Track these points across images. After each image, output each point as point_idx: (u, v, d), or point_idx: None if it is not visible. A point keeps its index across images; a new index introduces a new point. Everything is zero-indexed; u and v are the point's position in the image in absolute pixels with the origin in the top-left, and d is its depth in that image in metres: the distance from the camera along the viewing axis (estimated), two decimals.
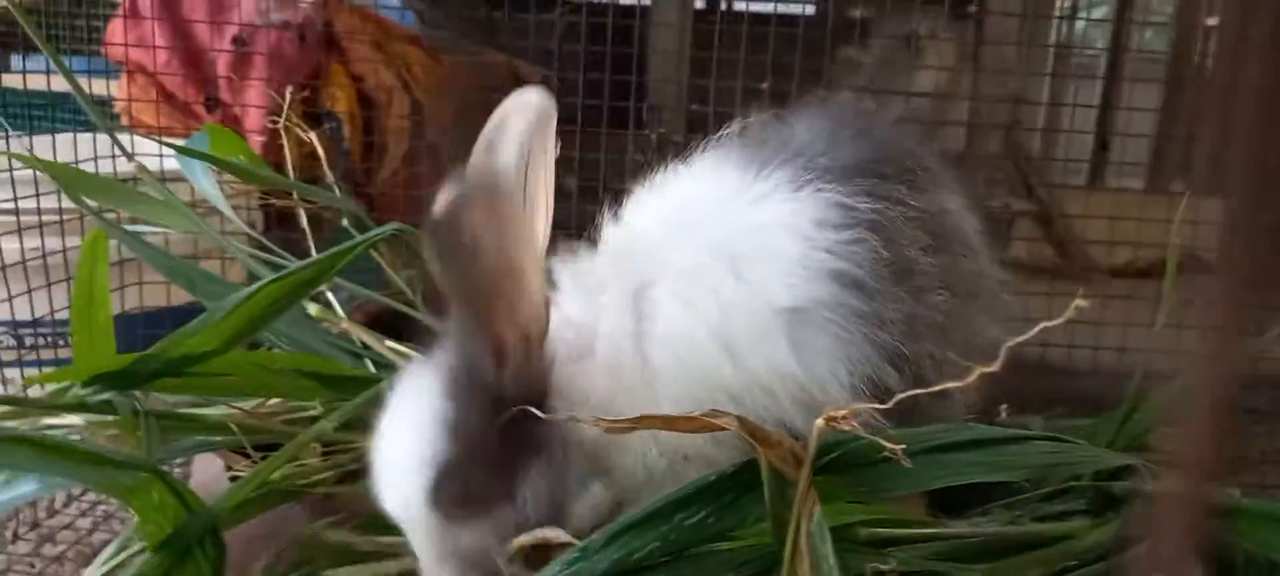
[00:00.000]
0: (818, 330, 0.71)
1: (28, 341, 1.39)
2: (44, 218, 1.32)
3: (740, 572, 0.62)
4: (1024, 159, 2.01)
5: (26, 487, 0.81)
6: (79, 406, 0.84)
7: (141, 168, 1.07)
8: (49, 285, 1.35)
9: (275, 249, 1.12)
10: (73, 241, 1.35)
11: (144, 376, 0.85)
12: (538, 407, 0.67)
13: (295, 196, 1.15)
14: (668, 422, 0.62)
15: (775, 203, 0.74)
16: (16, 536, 1.40)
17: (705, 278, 0.73)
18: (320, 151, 1.24)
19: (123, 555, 0.83)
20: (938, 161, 0.86)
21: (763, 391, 0.70)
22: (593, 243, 0.81)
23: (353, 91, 1.80)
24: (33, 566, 1.37)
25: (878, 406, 0.58)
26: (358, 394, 0.94)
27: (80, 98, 1.05)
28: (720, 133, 0.85)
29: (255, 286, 0.87)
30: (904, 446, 0.56)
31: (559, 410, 0.68)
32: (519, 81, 2.28)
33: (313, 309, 1.02)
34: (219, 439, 0.91)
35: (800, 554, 0.60)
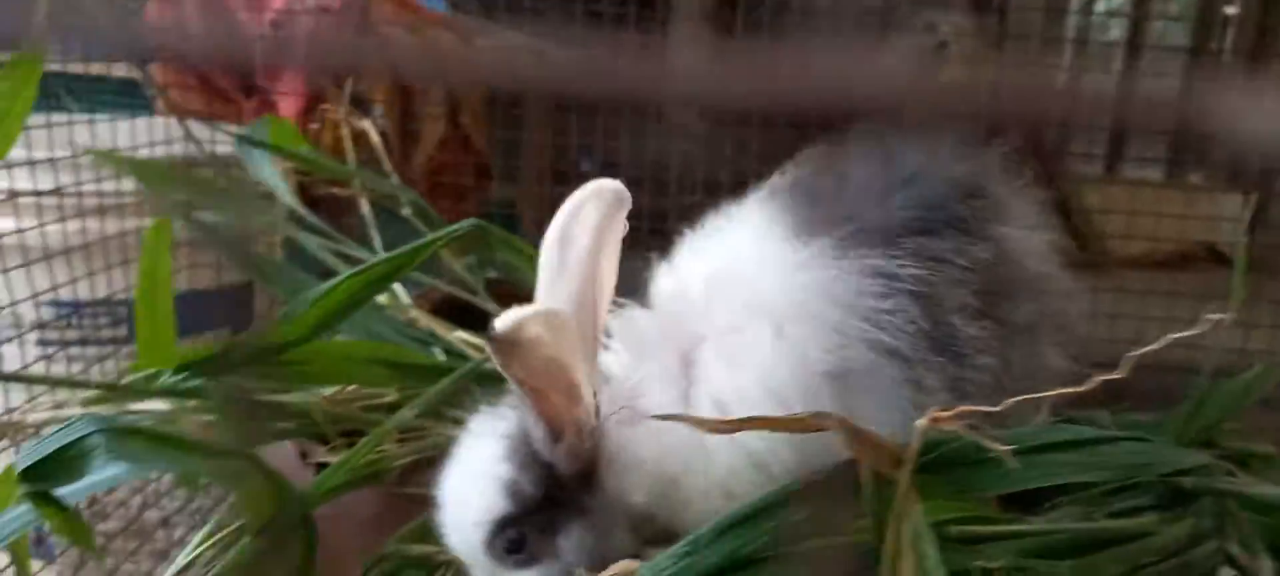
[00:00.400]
0: (860, 394, 0.73)
1: (75, 323, 1.41)
2: (88, 201, 1.33)
3: (841, 570, 0.64)
4: (1044, 149, 2.03)
5: (113, 471, 0.83)
6: (170, 393, 0.86)
7: (211, 155, 1.08)
8: (95, 272, 1.36)
9: (335, 234, 1.13)
10: (119, 224, 1.36)
11: (232, 363, 0.86)
12: (585, 478, 0.75)
13: (357, 184, 1.16)
14: (771, 423, 0.64)
15: (816, 270, 0.75)
16: None
17: (747, 335, 0.75)
18: (375, 138, 1.26)
19: (213, 539, 0.85)
20: (1001, 183, 0.84)
21: (819, 441, 0.70)
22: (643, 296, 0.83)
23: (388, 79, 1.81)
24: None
25: (979, 409, 0.60)
26: (428, 381, 0.96)
27: (150, 87, 1.06)
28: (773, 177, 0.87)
29: (336, 279, 0.89)
30: (1011, 447, 0.57)
31: (611, 477, 0.75)
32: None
33: (381, 298, 1.04)
34: (297, 426, 0.93)
35: (901, 551, 0.62)
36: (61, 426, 0.72)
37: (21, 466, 0.71)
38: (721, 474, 0.74)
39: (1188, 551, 0.73)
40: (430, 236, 0.91)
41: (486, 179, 2.06)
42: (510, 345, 0.66)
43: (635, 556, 0.73)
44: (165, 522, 1.40)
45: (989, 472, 0.65)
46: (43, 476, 0.71)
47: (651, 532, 0.78)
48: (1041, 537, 0.69)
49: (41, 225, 1.26)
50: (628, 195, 0.78)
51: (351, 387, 0.97)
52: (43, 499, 0.71)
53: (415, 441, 0.96)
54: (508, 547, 0.75)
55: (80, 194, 1.27)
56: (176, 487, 1.45)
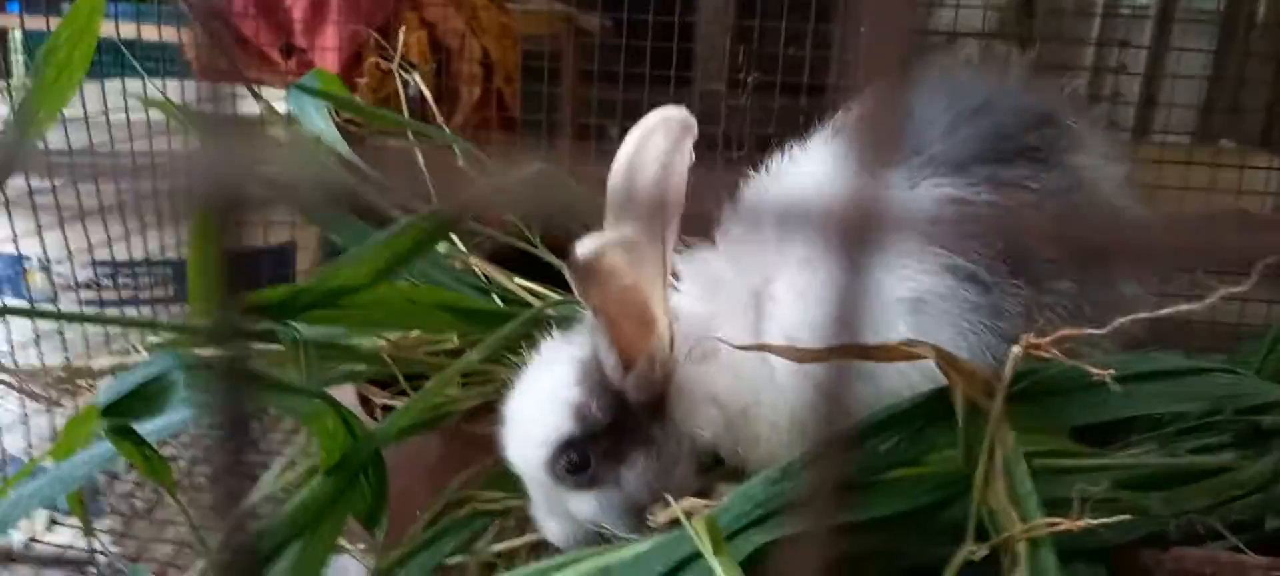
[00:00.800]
0: (937, 320, 0.72)
1: (124, 282, 1.41)
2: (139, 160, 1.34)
3: (931, 496, 0.64)
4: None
5: (179, 416, 0.83)
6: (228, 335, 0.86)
7: (270, 109, 1.08)
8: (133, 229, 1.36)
9: (389, 184, 1.13)
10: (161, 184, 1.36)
11: (300, 306, 0.86)
12: (655, 410, 0.75)
13: (410, 136, 1.16)
14: (861, 352, 0.63)
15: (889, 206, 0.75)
16: (117, 476, 1.43)
17: (820, 268, 0.74)
18: (425, 91, 1.25)
19: (284, 478, 0.86)
20: (1071, 115, 0.83)
21: (897, 372, 0.70)
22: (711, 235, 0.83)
23: (425, 38, 1.80)
24: (135, 501, 1.40)
25: (1073, 332, 0.60)
26: (490, 327, 0.96)
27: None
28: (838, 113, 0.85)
29: (404, 222, 0.88)
30: (1112, 371, 0.57)
31: (681, 411, 0.75)
32: (577, 31, 2.28)
33: (440, 246, 1.04)
34: (365, 369, 0.93)
35: (992, 478, 0.62)
36: (143, 363, 0.72)
37: (103, 402, 0.71)
38: (794, 408, 0.74)
39: (1271, 487, 0.72)
40: (500, 176, 0.90)
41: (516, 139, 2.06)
42: (590, 271, 0.66)
43: (700, 492, 0.73)
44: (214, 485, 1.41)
45: (1080, 401, 0.65)
46: (124, 412, 0.71)
47: (718, 470, 0.78)
48: (1127, 470, 0.69)
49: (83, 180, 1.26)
50: (694, 123, 0.76)
51: (414, 334, 0.97)
52: (123, 435, 0.72)
53: (478, 386, 0.96)
54: (570, 467, 0.76)
55: (121, 154, 1.27)
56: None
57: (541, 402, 0.78)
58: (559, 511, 0.79)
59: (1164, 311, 0.63)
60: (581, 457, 0.76)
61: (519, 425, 0.79)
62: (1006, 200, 0.74)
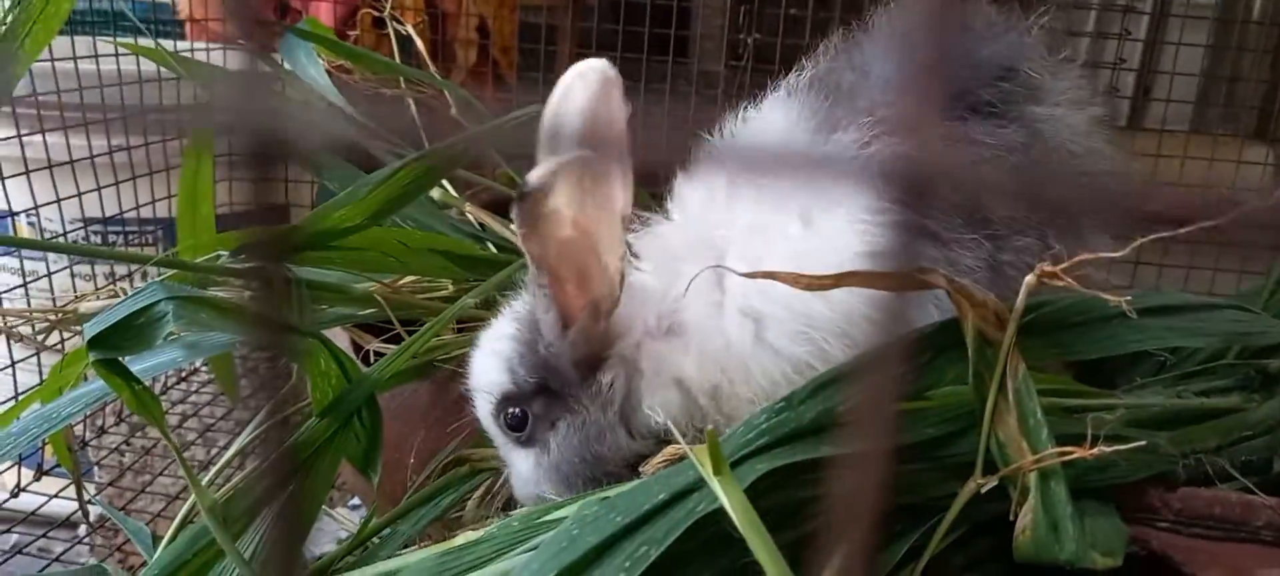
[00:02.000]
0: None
1: (113, 240, 1.39)
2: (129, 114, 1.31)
3: (937, 429, 0.62)
4: None
5: (170, 355, 0.81)
6: (231, 271, 0.84)
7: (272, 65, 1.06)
8: (117, 181, 1.34)
9: (382, 131, 1.11)
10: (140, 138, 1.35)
11: (292, 247, 0.85)
12: (593, 369, 0.74)
13: (403, 84, 1.14)
14: (870, 279, 0.62)
15: (842, 161, 0.72)
16: (104, 429, 1.41)
17: (771, 233, 0.73)
18: (419, 44, 1.23)
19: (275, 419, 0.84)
20: (1034, 62, 0.81)
21: (866, 320, 0.70)
22: (665, 205, 0.81)
23: (422, 2, 1.78)
24: (123, 456, 1.38)
25: (1089, 257, 0.58)
26: (484, 272, 0.95)
27: None
28: (790, 73, 0.83)
29: (398, 163, 0.87)
30: (1128, 298, 0.56)
31: (650, 388, 0.74)
32: (575, 6, 2.26)
33: (434, 192, 1.03)
34: (354, 312, 0.92)
35: (1002, 410, 0.61)
36: (131, 294, 0.71)
37: (90, 334, 0.69)
38: (764, 385, 0.72)
39: (1279, 428, 0.71)
40: (493, 121, 0.88)
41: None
42: (536, 211, 0.65)
43: (637, 464, 0.72)
44: (204, 434, 1.40)
45: (1090, 335, 0.63)
46: (112, 345, 0.70)
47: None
48: (1135, 410, 0.68)
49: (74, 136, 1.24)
50: (615, 73, 0.73)
51: (408, 279, 0.95)
52: (112, 369, 0.70)
53: (472, 333, 0.94)
54: (510, 422, 0.78)
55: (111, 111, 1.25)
56: (214, 405, 1.45)
57: (484, 352, 0.79)
58: (512, 467, 0.81)
59: (1120, 255, 0.61)
60: (522, 414, 0.77)
61: (473, 377, 0.81)
62: (961, 158, 0.72)
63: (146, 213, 1.37)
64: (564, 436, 0.75)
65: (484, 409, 0.79)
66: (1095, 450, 0.55)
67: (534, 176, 0.64)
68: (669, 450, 0.68)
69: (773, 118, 0.80)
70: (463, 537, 0.69)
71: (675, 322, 0.74)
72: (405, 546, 0.79)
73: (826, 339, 0.71)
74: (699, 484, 0.57)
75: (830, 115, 0.76)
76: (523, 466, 0.79)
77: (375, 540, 0.81)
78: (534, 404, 0.77)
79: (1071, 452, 0.56)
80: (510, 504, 0.83)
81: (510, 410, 0.77)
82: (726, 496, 0.54)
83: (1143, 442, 0.59)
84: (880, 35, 0.83)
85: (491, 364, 0.78)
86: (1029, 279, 0.59)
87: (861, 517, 0.30)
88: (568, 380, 0.75)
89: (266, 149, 0.29)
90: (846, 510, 0.30)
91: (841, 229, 0.71)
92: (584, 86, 0.73)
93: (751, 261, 0.72)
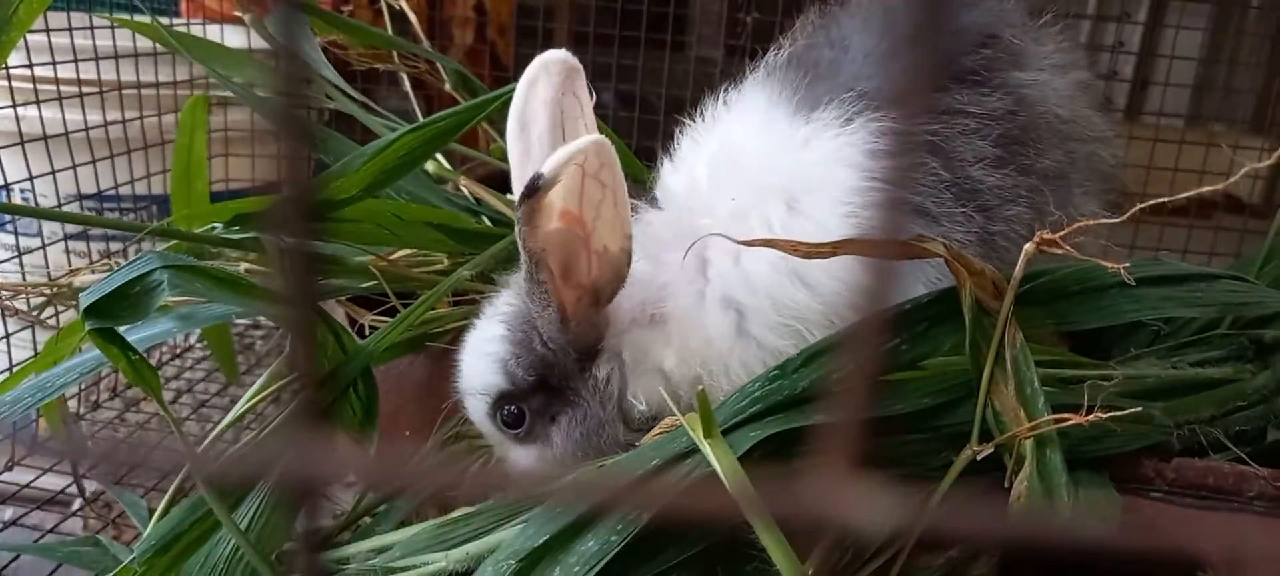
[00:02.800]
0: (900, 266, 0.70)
1: (108, 212, 1.39)
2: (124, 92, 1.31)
3: (933, 399, 0.62)
4: None
5: (166, 326, 0.81)
6: (226, 242, 0.84)
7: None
8: (114, 155, 1.34)
9: (376, 107, 1.11)
10: (135, 112, 1.34)
11: (285, 217, 0.84)
12: (591, 361, 0.74)
13: (396, 58, 1.13)
14: (867, 247, 0.62)
15: (824, 141, 0.73)
16: (98, 404, 1.41)
17: (752, 220, 0.72)
18: (412, 16, 1.23)
19: (270, 390, 0.84)
20: (1015, 28, 0.80)
21: (850, 307, 0.69)
22: (650, 192, 0.81)
23: None
24: (116, 431, 1.38)
25: (1092, 221, 0.58)
26: (479, 246, 0.94)
27: None
28: (769, 54, 0.83)
29: (393, 135, 0.86)
30: (1126, 265, 0.56)
31: (621, 378, 0.74)
32: None
33: (429, 166, 1.02)
34: (350, 283, 0.91)
35: (998, 380, 0.61)
36: (126, 264, 0.70)
37: (86, 302, 0.69)
38: (743, 377, 0.72)
39: (1274, 399, 0.71)
40: (490, 94, 0.88)
41: None
42: (545, 197, 0.64)
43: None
44: (199, 410, 1.40)
45: (1087, 304, 0.63)
46: (108, 314, 0.69)
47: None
48: (1130, 380, 0.68)
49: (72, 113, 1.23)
50: (577, 63, 0.76)
51: (403, 252, 0.95)
52: (107, 337, 0.70)
53: (467, 306, 0.94)
54: (507, 420, 0.77)
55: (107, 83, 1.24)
56: (209, 382, 1.44)
57: (475, 356, 0.78)
58: (512, 465, 0.80)
59: (1118, 220, 0.61)
60: (518, 411, 0.77)
61: (464, 377, 0.79)
62: (945, 129, 0.71)
63: (141, 188, 1.37)
64: (567, 431, 0.76)
65: (478, 409, 0.79)
66: (1091, 417, 0.55)
67: (548, 167, 0.63)
68: (666, 422, 0.68)
69: (754, 98, 0.80)
70: (459, 511, 0.69)
71: (659, 313, 0.74)
72: (402, 523, 0.79)
73: (810, 330, 0.70)
74: (692, 449, 0.57)
75: (810, 92, 0.75)
76: (524, 462, 0.79)
77: (366, 520, 0.81)
78: (532, 400, 0.76)
79: (1068, 419, 0.56)
80: None
81: (507, 408, 0.77)
82: (715, 457, 0.54)
83: (1138, 410, 0.59)
84: (858, 9, 0.82)
85: (484, 366, 0.77)
86: (1028, 247, 0.59)
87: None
88: (567, 373, 0.75)
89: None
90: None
91: (826, 212, 0.71)
92: (548, 78, 0.74)
93: (732, 251, 0.72)
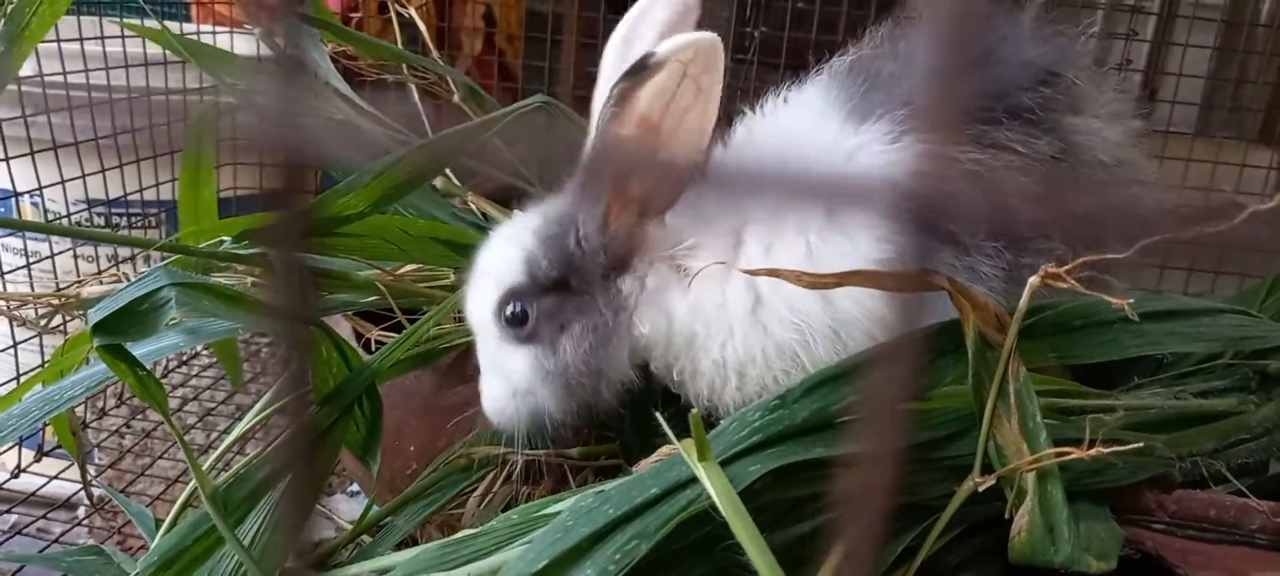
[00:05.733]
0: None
1: (116, 221, 1.39)
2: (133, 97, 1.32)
3: (935, 431, 0.63)
4: None
5: (173, 340, 0.82)
6: (234, 258, 0.84)
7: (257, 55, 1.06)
8: (127, 162, 1.34)
9: (384, 118, 1.11)
10: (145, 120, 1.34)
11: (292, 233, 0.85)
12: (615, 273, 0.74)
13: (406, 70, 1.14)
14: (874, 279, 0.62)
15: (870, 154, 0.73)
16: (105, 411, 1.42)
17: (789, 222, 0.73)
18: (422, 26, 1.23)
19: (275, 407, 0.84)
20: (1079, 68, 0.79)
21: (863, 333, 0.70)
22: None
23: None
24: (123, 439, 1.39)
25: (1095, 258, 0.58)
26: None
27: None
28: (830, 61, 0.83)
29: (401, 151, 0.87)
30: (1131, 301, 0.56)
31: (645, 304, 0.74)
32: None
33: (437, 181, 1.02)
34: (355, 299, 0.92)
35: (1001, 414, 0.61)
36: (135, 280, 0.71)
37: (94, 320, 0.69)
38: (738, 356, 0.73)
39: (1277, 431, 0.71)
40: (500, 111, 0.88)
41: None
42: (648, 77, 0.64)
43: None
44: (204, 418, 1.40)
45: (1091, 338, 0.64)
46: (116, 331, 0.70)
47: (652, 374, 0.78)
48: (1133, 412, 0.68)
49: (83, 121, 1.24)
50: (696, 1, 0.77)
51: (409, 267, 0.96)
52: (115, 354, 0.70)
53: None
54: (511, 318, 0.76)
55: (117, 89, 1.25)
56: (213, 389, 1.45)
57: (498, 249, 0.78)
58: (500, 369, 0.78)
59: (1121, 257, 0.61)
60: (523, 310, 0.75)
61: (478, 274, 0.79)
62: (991, 162, 0.71)
63: (150, 195, 1.37)
64: (577, 338, 0.75)
65: (485, 297, 0.77)
66: (1093, 451, 0.55)
67: (663, 48, 0.64)
68: (663, 450, 0.69)
69: (810, 99, 0.81)
70: (463, 533, 0.69)
71: (688, 265, 0.75)
72: (404, 542, 0.79)
73: (814, 338, 0.71)
74: (690, 480, 0.57)
75: (865, 102, 0.75)
76: (518, 365, 0.77)
77: (366, 538, 0.82)
78: (544, 300, 0.75)
79: (1070, 453, 0.56)
80: (510, 503, 0.83)
81: (513, 305, 0.76)
82: (711, 483, 0.54)
83: (1140, 445, 0.59)
84: (924, 30, 0.82)
85: (509, 251, 0.77)
86: (1033, 281, 0.59)
87: (866, 516, 0.31)
88: (591, 278, 0.75)
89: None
90: (851, 509, 0.30)
91: (859, 229, 0.71)
92: (668, 3, 0.75)
93: (765, 247, 0.73)
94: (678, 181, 0.70)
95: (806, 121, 0.79)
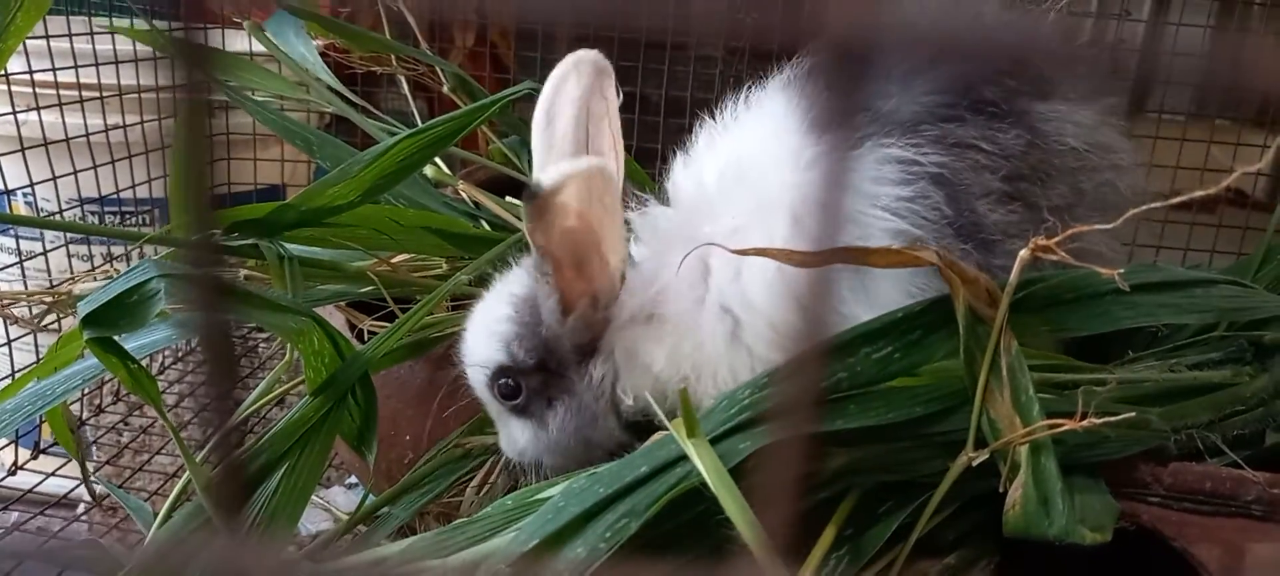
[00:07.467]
0: (881, 282, 0.70)
1: (109, 219, 1.39)
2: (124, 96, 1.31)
3: (927, 407, 0.62)
4: None
5: (163, 333, 0.81)
6: (226, 250, 0.84)
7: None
8: (117, 159, 1.34)
9: (373, 110, 1.11)
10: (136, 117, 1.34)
11: (284, 224, 0.85)
12: (589, 355, 0.76)
13: (395, 61, 1.14)
14: (863, 255, 0.62)
15: (829, 163, 0.72)
16: (102, 408, 1.41)
17: (753, 235, 0.72)
18: (412, 20, 1.23)
19: (269, 397, 0.84)
20: (1044, 54, 0.76)
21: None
22: (663, 187, 0.82)
23: None
24: (120, 435, 1.39)
25: (1087, 228, 0.58)
26: (477, 251, 0.95)
27: None
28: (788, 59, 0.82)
29: (392, 140, 0.87)
30: (1120, 271, 0.56)
31: (613, 372, 0.76)
32: None
33: (428, 170, 1.02)
34: (348, 289, 0.92)
35: (993, 388, 0.61)
36: (124, 273, 0.71)
37: (84, 312, 0.69)
38: (731, 383, 0.72)
39: (1272, 403, 0.71)
40: (489, 98, 0.88)
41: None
42: (545, 206, 0.66)
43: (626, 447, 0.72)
44: (200, 413, 1.40)
45: (1083, 311, 0.63)
46: (106, 323, 0.70)
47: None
48: (1127, 385, 0.68)
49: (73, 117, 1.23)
50: (608, 64, 0.78)
51: (402, 257, 0.95)
52: (106, 347, 0.70)
53: (465, 310, 0.94)
54: (504, 392, 0.79)
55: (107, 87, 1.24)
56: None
57: (480, 330, 0.81)
58: (506, 432, 0.83)
59: (1112, 226, 0.61)
60: (515, 385, 0.79)
61: (466, 346, 0.82)
62: (954, 162, 0.70)
63: (143, 192, 1.37)
64: (562, 418, 0.78)
65: (477, 379, 0.81)
66: (1086, 422, 0.55)
67: (547, 179, 0.65)
68: (658, 434, 0.69)
69: (771, 106, 0.80)
70: (459, 520, 0.69)
71: (657, 312, 0.75)
72: (403, 531, 0.80)
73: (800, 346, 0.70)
74: (681, 457, 0.57)
75: (823, 112, 0.73)
76: (519, 434, 0.81)
77: (362, 528, 0.82)
78: (531, 379, 0.78)
79: (1062, 425, 0.56)
80: (511, 491, 0.83)
81: (504, 381, 0.79)
82: (700, 459, 0.54)
83: (1133, 415, 0.59)
84: (886, 21, 0.81)
85: (488, 342, 0.79)
86: (1023, 254, 0.58)
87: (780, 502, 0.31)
88: (566, 362, 0.77)
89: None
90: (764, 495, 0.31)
91: (824, 238, 0.70)
92: (578, 77, 0.76)
93: (732, 263, 0.73)
94: (613, 279, 0.73)
95: (768, 129, 0.78)
